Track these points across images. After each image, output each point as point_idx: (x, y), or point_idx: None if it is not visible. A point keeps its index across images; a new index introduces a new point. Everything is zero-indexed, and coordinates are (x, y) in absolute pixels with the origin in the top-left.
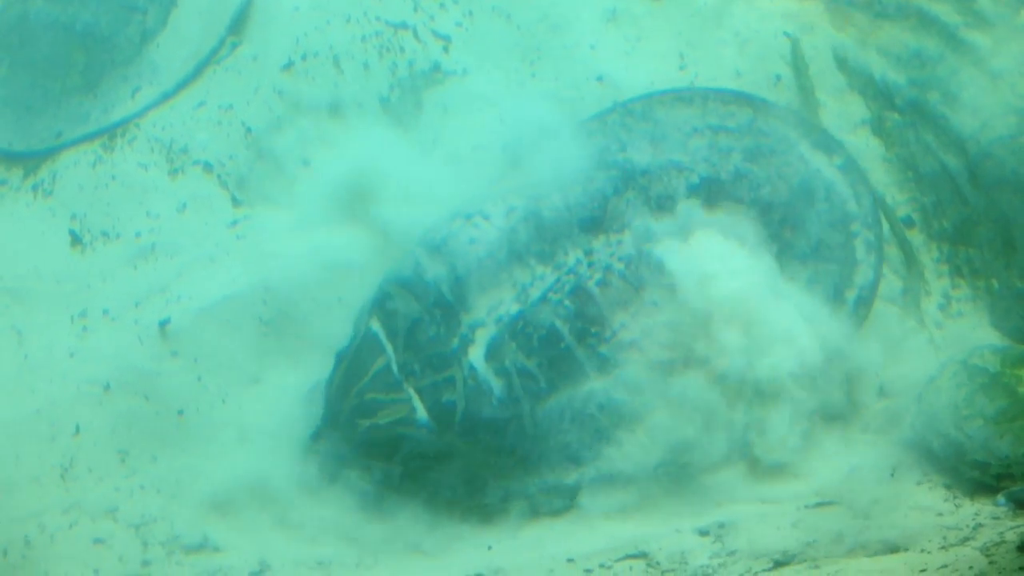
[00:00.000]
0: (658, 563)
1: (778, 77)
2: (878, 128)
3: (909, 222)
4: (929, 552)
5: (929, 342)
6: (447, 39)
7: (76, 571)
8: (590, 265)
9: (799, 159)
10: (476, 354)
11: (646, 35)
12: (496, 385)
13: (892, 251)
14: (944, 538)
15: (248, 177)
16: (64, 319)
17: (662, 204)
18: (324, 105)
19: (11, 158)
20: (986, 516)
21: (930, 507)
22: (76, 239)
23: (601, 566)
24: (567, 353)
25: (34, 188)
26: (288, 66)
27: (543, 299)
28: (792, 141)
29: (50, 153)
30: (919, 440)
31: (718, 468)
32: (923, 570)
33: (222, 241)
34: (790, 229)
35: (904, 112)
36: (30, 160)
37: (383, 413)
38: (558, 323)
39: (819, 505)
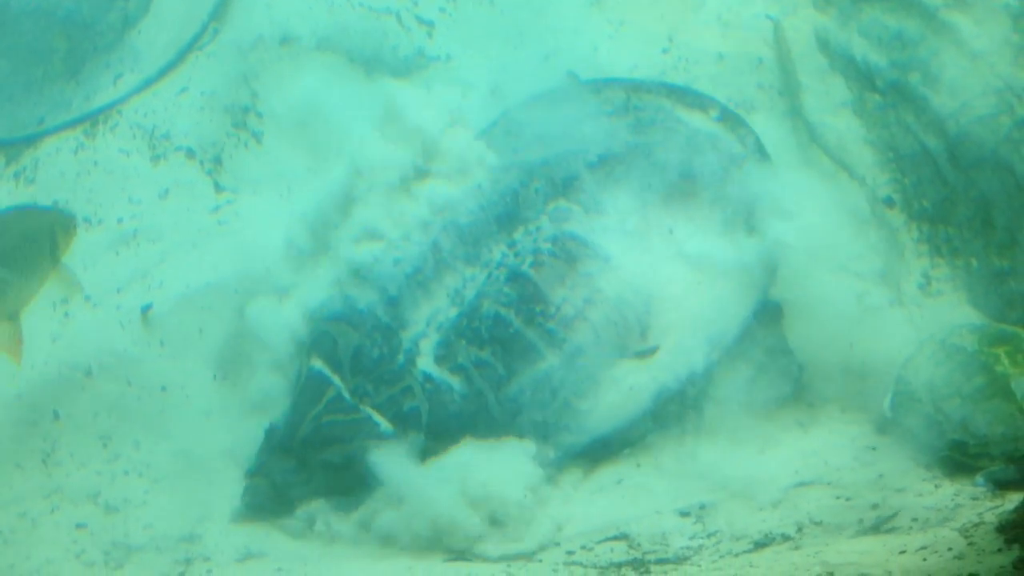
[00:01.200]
0: (639, 544)
1: (760, 60)
2: (859, 109)
3: (889, 202)
4: (908, 532)
5: (908, 321)
6: (431, 24)
7: (58, 555)
8: (517, 255)
9: (677, 121)
10: (426, 362)
11: (629, 19)
12: (455, 382)
13: (872, 231)
14: (923, 519)
15: (230, 163)
16: (46, 305)
17: (568, 184)
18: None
19: None
20: (965, 497)
21: (908, 488)
22: None
23: (583, 547)
24: (518, 335)
25: (16, 175)
26: (270, 52)
27: (480, 295)
28: (667, 108)
29: (32, 140)
30: (897, 420)
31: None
32: (902, 551)
33: (204, 227)
34: (689, 181)
35: (885, 93)
36: (12, 147)
37: (344, 434)
38: (502, 310)
39: (799, 485)
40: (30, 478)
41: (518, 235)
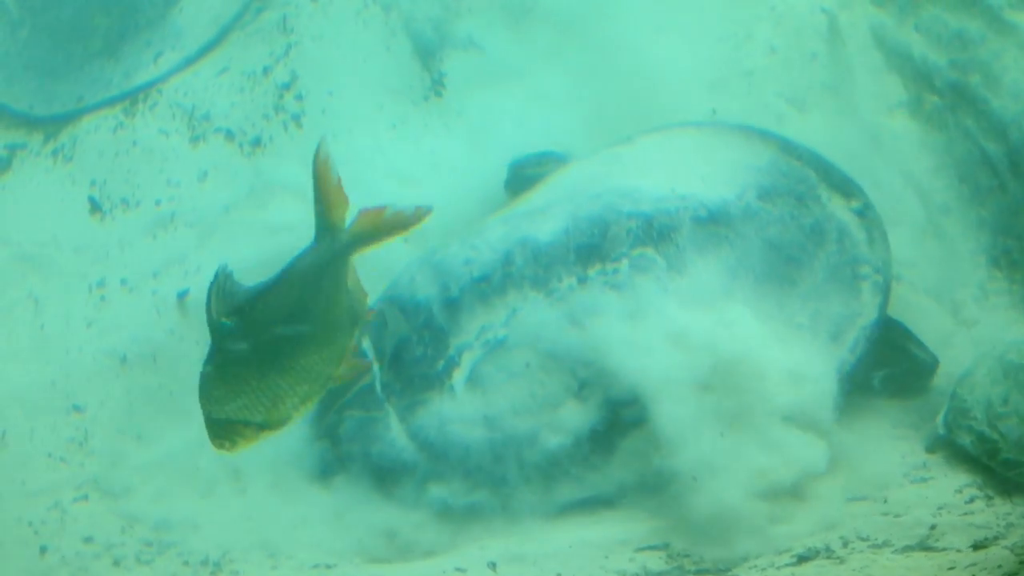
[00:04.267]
0: (678, 553)
1: (814, 54)
2: (916, 110)
3: (945, 210)
4: (959, 551)
5: (964, 336)
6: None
7: (89, 548)
8: (582, 292)
9: (815, 200)
10: (459, 377)
11: (681, 10)
12: (474, 407)
13: (928, 240)
14: (973, 537)
15: (270, 146)
16: (82, 288)
17: (664, 233)
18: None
19: (32, 122)
20: (1017, 516)
21: (959, 506)
22: (95, 206)
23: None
24: (546, 377)
25: (54, 153)
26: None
27: (533, 322)
28: (811, 182)
29: (71, 117)
30: (951, 437)
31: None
32: (951, 568)
33: (243, 211)
34: (795, 267)
35: (943, 94)
36: (51, 124)
37: (361, 434)
38: (540, 346)
39: (848, 500)
40: (62, 468)
41: (592, 272)
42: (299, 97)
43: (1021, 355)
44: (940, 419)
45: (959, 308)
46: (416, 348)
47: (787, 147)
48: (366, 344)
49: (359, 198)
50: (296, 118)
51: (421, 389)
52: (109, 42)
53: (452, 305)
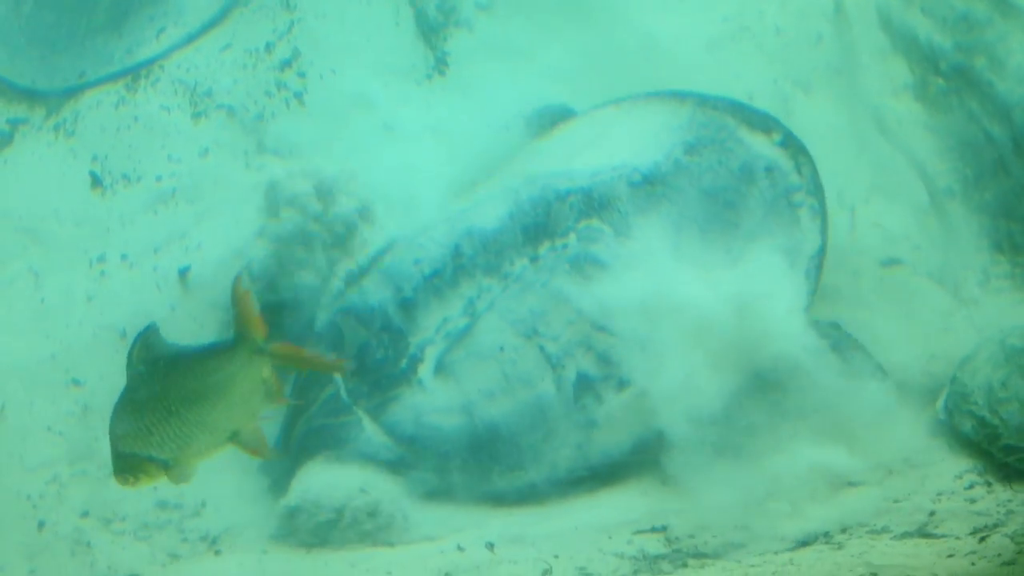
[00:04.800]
0: (677, 538)
1: (820, 36)
2: (921, 93)
3: (950, 193)
4: (958, 538)
5: (966, 319)
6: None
7: (87, 523)
8: (536, 271)
9: (738, 143)
10: (426, 371)
11: None
12: (447, 397)
13: (931, 223)
14: (973, 524)
15: (272, 123)
16: (82, 262)
17: (605, 203)
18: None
19: (34, 96)
20: (1018, 503)
21: (959, 491)
22: (97, 181)
23: (609, 537)
24: (515, 356)
25: (56, 128)
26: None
27: (491, 309)
28: (730, 127)
29: (73, 92)
30: (951, 422)
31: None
32: (951, 555)
33: (244, 189)
34: (733, 211)
35: (948, 77)
36: (53, 99)
37: (333, 439)
38: (506, 327)
39: (847, 485)
40: (60, 442)
41: (543, 250)
42: (301, 74)
43: (1023, 339)
44: (940, 404)
45: (961, 290)
46: (377, 351)
47: (702, 100)
48: None
49: (363, 173)
50: (299, 95)
51: (388, 388)
52: (112, 17)
53: (407, 305)
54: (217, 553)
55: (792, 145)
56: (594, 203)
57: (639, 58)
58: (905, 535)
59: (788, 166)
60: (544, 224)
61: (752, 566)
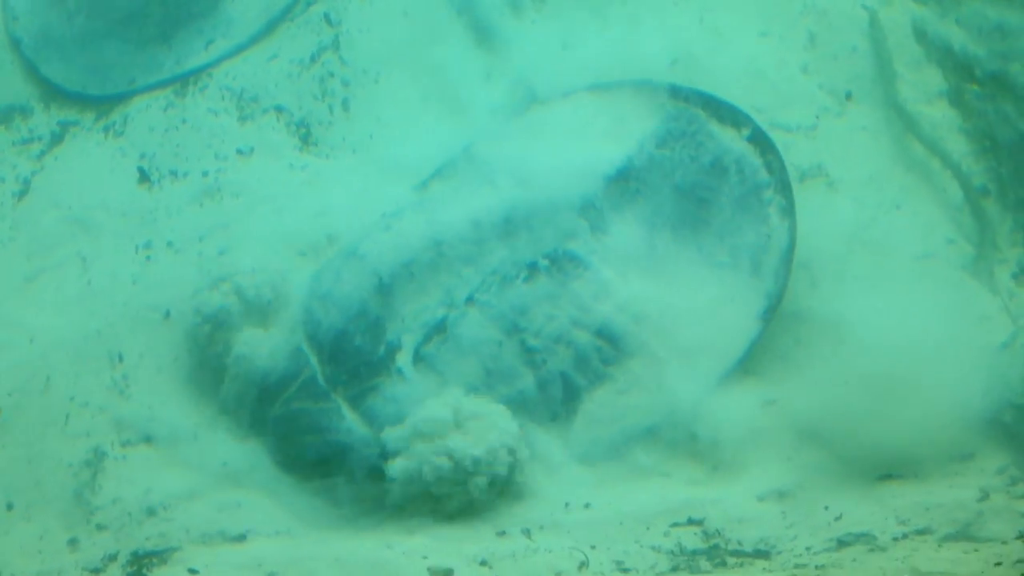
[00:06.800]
0: (717, 531)
1: (854, 48)
2: (956, 99)
3: (984, 191)
4: (1004, 542)
5: (1003, 310)
6: None
7: (128, 491)
8: (514, 264)
9: (708, 136)
10: (404, 359)
11: (723, 4)
12: (425, 386)
13: (966, 219)
14: (1018, 527)
15: (317, 128)
16: (129, 249)
17: (583, 197)
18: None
19: (85, 101)
20: None
21: (1002, 488)
22: (144, 176)
23: (648, 528)
24: (497, 350)
25: (105, 129)
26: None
27: (469, 300)
28: (701, 120)
29: (123, 98)
30: (991, 413)
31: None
32: (998, 563)
33: (288, 186)
34: (704, 207)
35: (984, 84)
36: (103, 104)
37: (312, 424)
38: (486, 321)
39: (885, 478)
40: (102, 414)
41: (521, 242)
42: (345, 83)
43: None
44: (980, 394)
45: (996, 282)
46: (354, 338)
47: (674, 91)
48: (302, 342)
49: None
50: (345, 103)
51: (367, 376)
52: (163, 30)
53: (384, 292)
54: (243, 539)
55: (761, 141)
56: (573, 196)
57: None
58: (947, 538)
59: (757, 162)
60: (525, 216)
61: (796, 567)
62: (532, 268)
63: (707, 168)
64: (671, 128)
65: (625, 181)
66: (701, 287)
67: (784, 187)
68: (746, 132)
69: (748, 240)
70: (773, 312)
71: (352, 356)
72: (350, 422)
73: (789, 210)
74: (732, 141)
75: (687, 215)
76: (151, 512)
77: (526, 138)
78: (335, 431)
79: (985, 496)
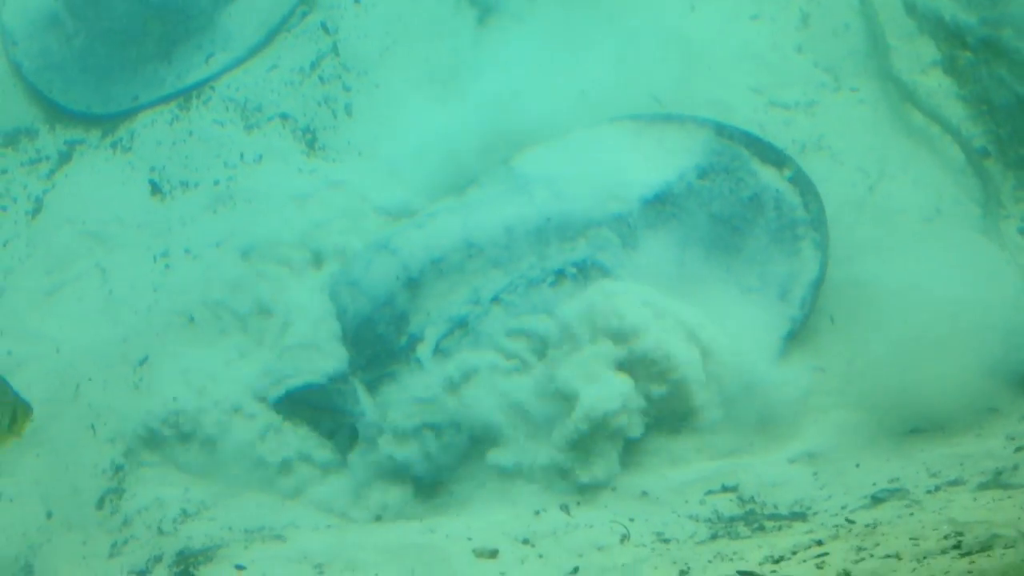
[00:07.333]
0: (752, 497)
1: (847, 25)
2: (950, 68)
3: (984, 152)
4: None
5: (1011, 264)
6: None
7: (152, 493)
8: (542, 269)
9: (749, 173)
10: (424, 351)
11: None
12: (443, 380)
13: (969, 181)
14: None
15: (322, 133)
16: (146, 258)
17: (617, 213)
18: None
19: (89, 120)
20: None
21: None
22: (156, 188)
23: (685, 501)
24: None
25: (113, 145)
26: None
27: (495, 300)
28: (744, 158)
29: (127, 115)
30: (1004, 365)
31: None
32: None
33: (297, 191)
34: (739, 236)
35: (976, 50)
36: (108, 121)
37: (328, 401)
38: (509, 320)
39: (912, 432)
40: (131, 420)
41: (552, 250)
42: (347, 88)
43: None
44: (991, 347)
45: (1004, 240)
46: (378, 326)
47: (720, 129)
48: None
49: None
50: (347, 107)
51: (386, 363)
52: (162, 47)
53: (412, 286)
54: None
55: (802, 182)
56: (607, 211)
57: (670, 58)
58: (980, 487)
59: (796, 201)
60: (557, 227)
61: (835, 527)
62: (559, 274)
63: (745, 201)
64: (713, 162)
65: (662, 205)
66: (728, 307)
67: (820, 224)
68: (788, 173)
69: (779, 269)
70: (794, 336)
71: (374, 343)
72: (364, 405)
73: (822, 245)
74: (773, 180)
75: (720, 241)
76: (190, 512)
77: (567, 156)
78: (348, 413)
79: (1017, 446)
